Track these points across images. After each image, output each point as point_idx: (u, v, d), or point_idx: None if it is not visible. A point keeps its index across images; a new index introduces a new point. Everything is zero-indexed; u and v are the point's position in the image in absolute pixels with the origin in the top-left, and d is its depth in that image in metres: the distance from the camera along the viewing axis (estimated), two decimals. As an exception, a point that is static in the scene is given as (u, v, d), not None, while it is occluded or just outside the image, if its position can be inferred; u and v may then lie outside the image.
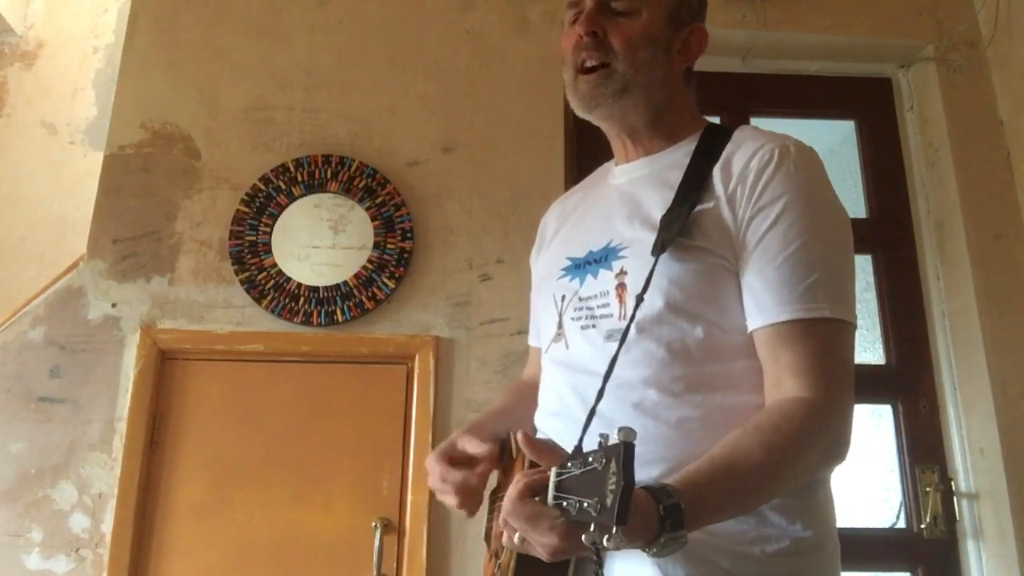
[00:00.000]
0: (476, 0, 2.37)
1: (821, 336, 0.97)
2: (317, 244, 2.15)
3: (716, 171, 1.06)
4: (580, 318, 1.10)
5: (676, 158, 1.12)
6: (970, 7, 2.45)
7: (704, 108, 2.69)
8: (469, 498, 1.07)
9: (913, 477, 2.16)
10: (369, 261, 2.13)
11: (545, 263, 1.25)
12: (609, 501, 0.69)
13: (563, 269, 1.17)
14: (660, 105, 1.15)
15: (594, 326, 1.07)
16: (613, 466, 0.70)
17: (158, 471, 1.98)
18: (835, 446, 0.97)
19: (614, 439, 0.72)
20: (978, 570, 2.08)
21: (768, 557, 0.95)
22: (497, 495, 1.15)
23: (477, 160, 2.24)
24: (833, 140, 3.00)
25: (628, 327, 1.01)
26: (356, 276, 2.12)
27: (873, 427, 2.62)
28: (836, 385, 0.96)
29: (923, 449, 2.18)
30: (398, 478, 2.00)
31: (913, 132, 2.45)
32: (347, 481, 2.00)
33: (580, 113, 1.16)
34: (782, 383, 0.97)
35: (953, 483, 2.15)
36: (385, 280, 2.12)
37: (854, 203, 2.57)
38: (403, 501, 1.98)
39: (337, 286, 2.11)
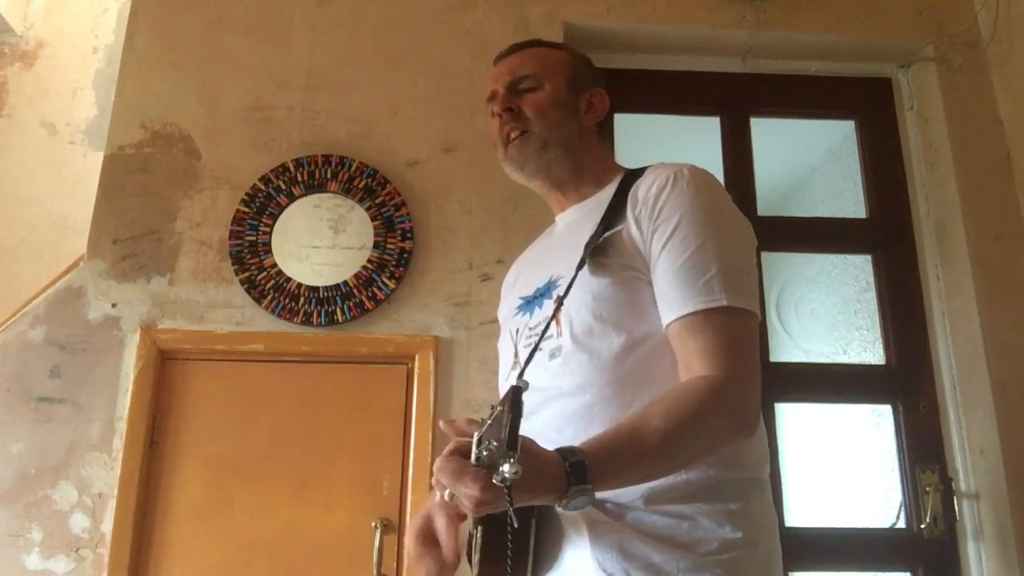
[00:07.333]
0: (476, 0, 2.37)
1: (721, 323, 1.09)
2: (317, 244, 2.15)
3: (628, 200, 1.22)
4: (530, 345, 1.22)
5: (604, 198, 1.28)
6: (970, 7, 2.44)
7: (704, 108, 2.69)
8: (446, 571, 1.14)
9: (913, 477, 2.15)
10: (369, 261, 2.13)
11: (506, 310, 1.39)
12: (504, 434, 0.81)
13: (517, 308, 1.32)
14: (580, 156, 1.33)
15: (540, 348, 1.19)
16: (507, 407, 0.82)
17: (158, 471, 1.98)
18: (737, 416, 1.07)
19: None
20: (978, 570, 2.08)
21: (698, 556, 1.04)
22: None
23: (477, 160, 2.24)
24: (833, 140, 3.00)
25: (548, 324, 1.16)
26: (356, 276, 2.12)
27: (873, 427, 2.61)
28: (736, 363, 1.07)
29: (923, 449, 2.18)
30: (398, 478, 2.00)
31: (913, 132, 2.44)
32: (347, 481, 2.00)
33: (515, 176, 1.36)
34: (690, 366, 1.08)
35: (953, 483, 2.14)
36: (385, 280, 2.12)
37: (854, 203, 2.57)
38: (403, 501, 1.98)
39: (337, 286, 2.11)
